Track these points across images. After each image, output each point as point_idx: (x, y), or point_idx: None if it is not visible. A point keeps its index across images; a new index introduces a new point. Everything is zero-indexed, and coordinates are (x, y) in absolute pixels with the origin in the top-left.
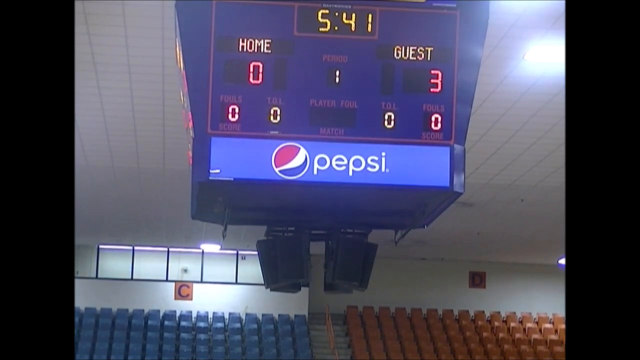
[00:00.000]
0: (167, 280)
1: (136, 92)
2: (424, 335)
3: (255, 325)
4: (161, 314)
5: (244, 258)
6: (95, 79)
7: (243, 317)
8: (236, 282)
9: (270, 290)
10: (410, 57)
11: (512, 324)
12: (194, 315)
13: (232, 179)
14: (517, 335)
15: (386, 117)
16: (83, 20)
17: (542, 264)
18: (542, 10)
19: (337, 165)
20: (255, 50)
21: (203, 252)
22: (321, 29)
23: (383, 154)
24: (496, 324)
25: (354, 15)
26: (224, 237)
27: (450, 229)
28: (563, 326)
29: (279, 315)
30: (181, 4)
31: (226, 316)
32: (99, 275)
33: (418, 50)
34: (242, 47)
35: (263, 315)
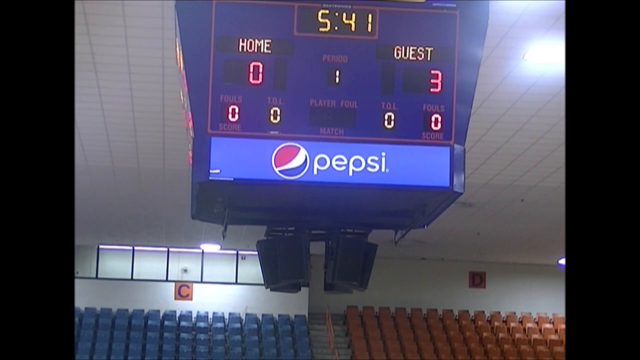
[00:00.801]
0: (167, 280)
1: (136, 92)
2: (423, 335)
3: (255, 325)
4: (161, 314)
5: (244, 258)
6: (95, 79)
7: (243, 317)
8: (236, 282)
9: (270, 290)
10: (410, 57)
11: (512, 324)
12: (194, 315)
13: (232, 179)
14: (517, 335)
15: (386, 117)
16: (83, 21)
17: (542, 264)
18: (542, 10)
19: (337, 165)
20: (255, 50)
21: (203, 252)
22: (321, 29)
23: (383, 154)
24: (496, 324)
25: (354, 15)
26: (224, 237)
27: (450, 229)
28: (563, 326)
29: (279, 315)
30: (181, 4)
31: (226, 316)
32: (99, 276)
33: (418, 50)
34: (242, 47)
35: (263, 315)
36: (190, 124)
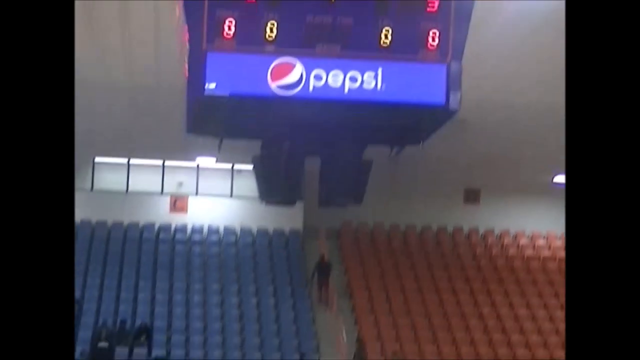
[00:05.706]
0: (162, 193)
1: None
2: (418, 253)
3: (250, 239)
4: (156, 227)
5: (240, 172)
6: None
7: (238, 230)
8: (231, 196)
9: (266, 204)
10: None
11: (506, 241)
12: (189, 228)
13: (228, 93)
14: (511, 252)
15: (382, 34)
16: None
17: (536, 181)
18: None
19: (333, 81)
20: None
21: (198, 166)
22: None
23: (379, 70)
24: (490, 240)
25: None
26: (219, 151)
27: (445, 146)
28: (556, 243)
29: (274, 230)
30: None
31: (221, 229)
32: (94, 188)
33: None
34: None
35: (258, 229)
36: (186, 38)
